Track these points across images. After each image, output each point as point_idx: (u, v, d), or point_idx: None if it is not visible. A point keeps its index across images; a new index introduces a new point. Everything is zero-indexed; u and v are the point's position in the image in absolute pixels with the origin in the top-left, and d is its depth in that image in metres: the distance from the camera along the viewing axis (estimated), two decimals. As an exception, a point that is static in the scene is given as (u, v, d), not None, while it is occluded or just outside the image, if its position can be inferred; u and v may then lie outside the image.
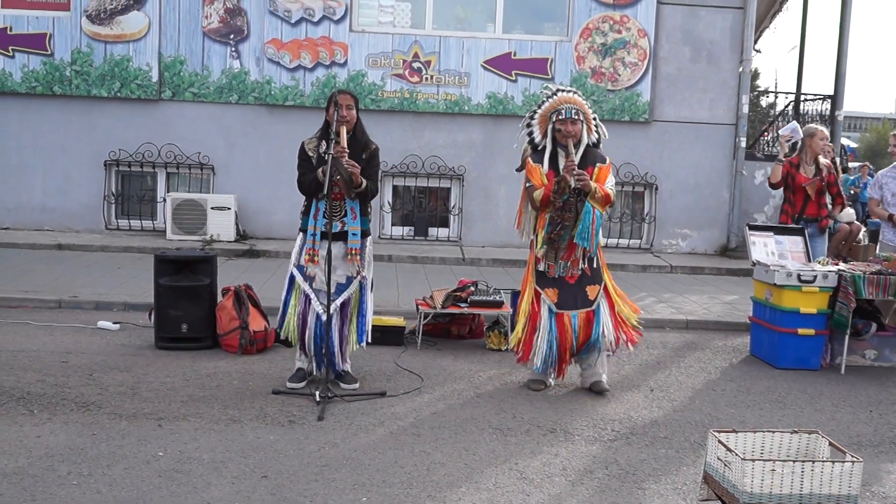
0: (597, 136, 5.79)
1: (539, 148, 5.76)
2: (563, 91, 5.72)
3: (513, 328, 5.98)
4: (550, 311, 5.66)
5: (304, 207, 5.62)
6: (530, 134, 5.80)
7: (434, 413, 5.23)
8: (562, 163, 5.58)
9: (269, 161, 11.56)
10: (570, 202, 5.54)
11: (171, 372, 5.86)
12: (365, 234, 5.60)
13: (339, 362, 5.60)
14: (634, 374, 6.40)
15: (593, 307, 5.68)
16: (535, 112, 5.79)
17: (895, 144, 7.57)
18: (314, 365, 5.64)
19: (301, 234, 5.60)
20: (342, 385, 5.59)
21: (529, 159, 5.74)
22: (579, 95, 5.76)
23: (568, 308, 5.66)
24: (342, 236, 5.48)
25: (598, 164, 5.67)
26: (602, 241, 5.88)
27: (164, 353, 6.35)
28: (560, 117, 5.60)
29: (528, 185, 5.74)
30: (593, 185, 5.55)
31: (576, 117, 5.60)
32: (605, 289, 5.78)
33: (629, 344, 5.85)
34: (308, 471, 4.23)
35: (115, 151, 11.69)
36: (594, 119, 5.79)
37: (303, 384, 5.57)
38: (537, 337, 5.68)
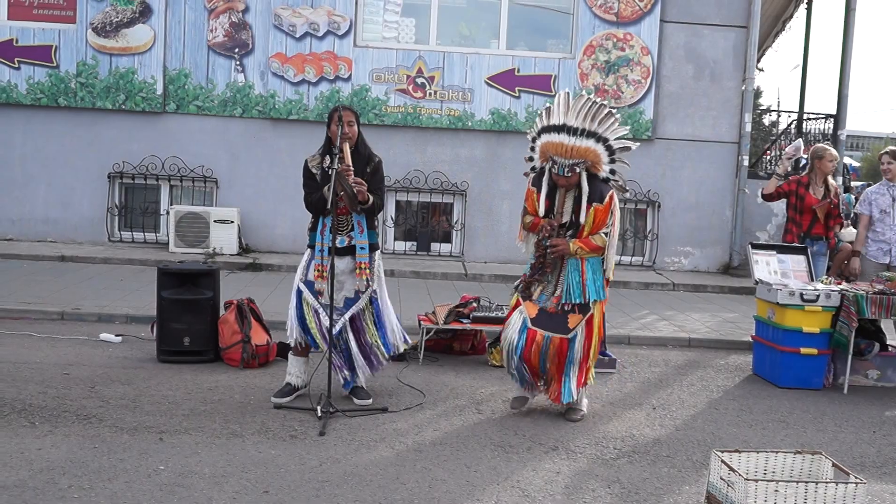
0: (609, 169, 5.38)
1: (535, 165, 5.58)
2: (560, 115, 5.30)
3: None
4: (524, 323, 5.42)
5: (310, 224, 5.63)
6: (531, 157, 5.59)
7: (436, 429, 5.22)
8: (543, 192, 5.39)
9: (273, 175, 11.59)
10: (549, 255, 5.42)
11: (173, 385, 5.85)
12: (373, 247, 5.60)
13: (361, 374, 5.63)
14: (636, 392, 6.38)
15: (569, 335, 5.37)
16: (538, 134, 5.46)
17: (888, 162, 7.58)
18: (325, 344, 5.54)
19: (309, 249, 5.61)
20: (356, 400, 5.59)
21: (529, 181, 5.59)
22: (588, 116, 5.25)
23: (543, 328, 5.38)
24: (350, 251, 5.49)
25: (594, 204, 5.32)
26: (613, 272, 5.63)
27: (165, 367, 6.35)
28: (553, 170, 5.33)
29: (525, 205, 5.64)
30: (573, 247, 5.32)
31: (569, 174, 5.29)
32: (589, 320, 5.42)
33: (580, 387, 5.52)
34: (309, 486, 4.22)
35: (118, 163, 11.72)
36: (608, 151, 5.33)
37: (287, 399, 5.55)
38: (504, 338, 5.49)
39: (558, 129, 5.30)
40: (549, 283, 5.51)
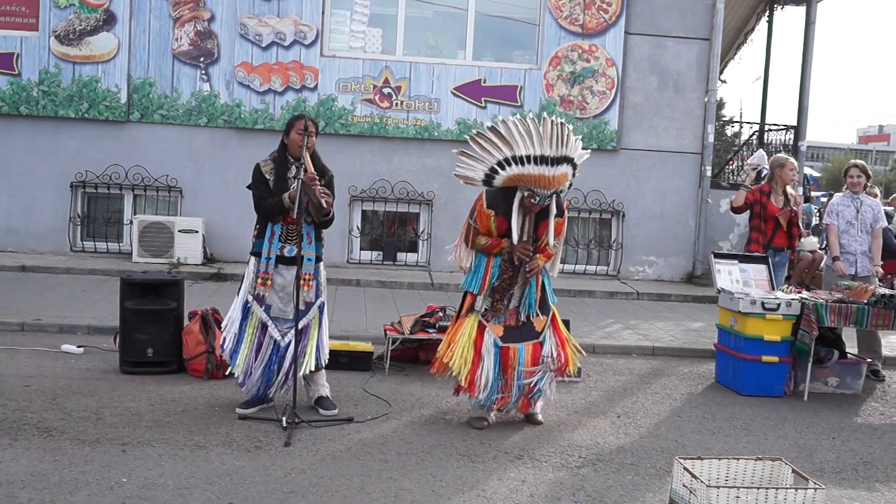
0: (569, 184, 5.37)
1: (494, 185, 5.34)
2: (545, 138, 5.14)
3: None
4: (496, 344, 5.43)
5: (256, 230, 5.56)
6: (492, 175, 5.28)
7: (402, 439, 5.22)
8: (515, 219, 5.31)
9: (238, 184, 11.40)
10: (513, 268, 5.46)
11: (136, 396, 5.79)
12: (318, 259, 5.58)
13: (279, 384, 5.55)
14: (601, 401, 6.43)
15: (540, 339, 5.50)
16: (509, 161, 5.18)
17: (857, 176, 7.71)
18: (260, 391, 5.55)
19: (253, 258, 5.54)
20: (321, 411, 5.57)
21: (483, 201, 5.37)
22: (560, 141, 5.16)
23: (514, 341, 5.44)
24: (296, 261, 5.44)
25: (554, 219, 5.40)
26: (566, 267, 5.78)
27: (128, 378, 6.28)
28: (532, 201, 5.24)
29: (473, 224, 5.47)
30: (541, 264, 5.46)
31: (548, 202, 5.29)
32: (553, 317, 5.61)
33: (566, 368, 5.61)
34: (274, 497, 4.20)
35: (81, 173, 11.59)
36: (573, 169, 5.30)
37: (252, 410, 5.51)
38: (481, 370, 5.39)
39: (537, 160, 5.13)
40: (504, 301, 5.53)
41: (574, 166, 5.31)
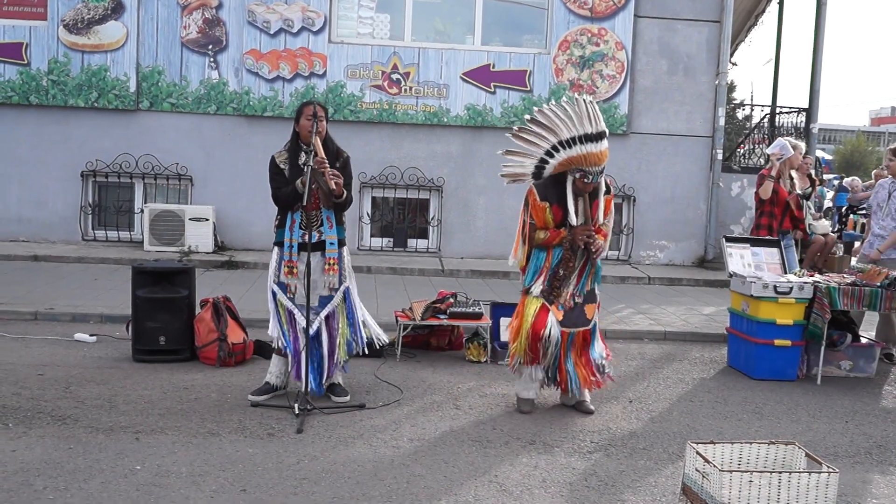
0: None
1: (544, 176, 5.38)
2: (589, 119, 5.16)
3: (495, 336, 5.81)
4: (556, 325, 5.43)
5: (277, 220, 5.59)
6: (542, 166, 5.33)
7: (413, 425, 5.23)
8: (571, 204, 5.32)
9: (248, 172, 11.52)
10: (574, 254, 5.43)
11: (149, 385, 5.82)
12: (341, 243, 5.57)
13: (325, 375, 5.57)
14: (613, 386, 6.41)
15: (590, 326, 5.56)
16: (557, 148, 5.22)
17: (889, 159, 7.61)
18: (297, 376, 5.58)
19: (276, 248, 5.56)
20: (333, 398, 5.59)
21: (535, 195, 5.37)
22: (598, 117, 5.21)
23: (569, 326, 5.47)
24: (320, 246, 5.46)
25: (603, 196, 5.43)
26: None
27: (141, 366, 6.31)
28: (584, 181, 5.25)
29: (530, 220, 5.43)
30: (603, 243, 5.45)
31: (599, 180, 5.33)
32: (598, 307, 5.66)
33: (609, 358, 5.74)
34: (287, 484, 4.21)
35: (91, 162, 11.62)
36: None
37: (264, 397, 5.53)
38: (542, 345, 5.40)
39: (583, 139, 5.16)
40: (564, 286, 5.51)
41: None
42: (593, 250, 5.40)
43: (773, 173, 8.22)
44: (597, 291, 5.64)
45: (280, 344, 5.59)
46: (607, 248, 5.73)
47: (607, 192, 5.49)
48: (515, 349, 5.52)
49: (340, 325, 5.56)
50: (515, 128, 5.43)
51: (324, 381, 5.58)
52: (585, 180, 5.26)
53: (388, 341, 6.18)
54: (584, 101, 5.23)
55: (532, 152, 5.36)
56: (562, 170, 5.31)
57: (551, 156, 5.27)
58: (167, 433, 4.86)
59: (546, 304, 5.46)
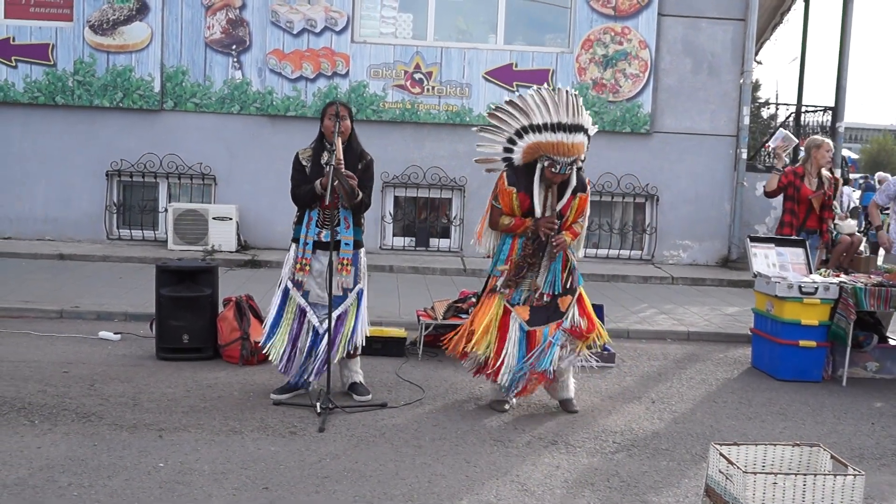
0: (583, 157, 5.40)
1: (514, 164, 5.36)
2: (561, 107, 5.14)
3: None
4: (521, 328, 5.37)
5: (296, 217, 5.62)
6: (509, 151, 5.35)
7: (435, 424, 5.22)
8: (537, 192, 5.30)
9: (271, 171, 11.56)
10: (537, 246, 5.37)
11: (172, 383, 5.86)
12: (358, 244, 5.55)
13: (312, 372, 5.53)
14: (635, 386, 6.39)
15: (563, 317, 5.42)
16: (521, 132, 5.25)
17: None
18: (300, 378, 5.58)
19: (293, 244, 5.58)
20: (355, 396, 5.60)
21: (504, 179, 5.37)
22: (575, 110, 5.16)
23: (540, 324, 5.37)
24: (335, 246, 5.46)
25: (578, 194, 5.38)
26: (599, 251, 5.72)
27: (165, 364, 6.35)
28: (553, 170, 5.21)
29: (496, 205, 5.45)
30: (567, 240, 5.38)
31: (567, 172, 5.25)
32: (580, 297, 5.51)
33: (590, 333, 5.48)
34: (309, 482, 4.22)
35: (116, 161, 11.71)
36: (587, 140, 5.34)
37: (287, 396, 5.54)
38: (505, 354, 5.33)
39: (554, 127, 5.16)
40: (524, 280, 5.47)
41: (588, 138, 5.32)
42: (554, 244, 5.33)
43: (778, 165, 8.18)
44: (577, 286, 5.53)
45: (281, 368, 5.57)
46: (581, 251, 5.70)
47: (584, 190, 5.43)
48: (472, 354, 5.46)
49: (346, 327, 5.52)
50: (493, 105, 5.47)
51: (313, 377, 5.53)
52: (553, 169, 5.22)
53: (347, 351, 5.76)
54: (569, 92, 5.22)
55: (503, 131, 5.36)
56: (532, 156, 5.28)
57: (520, 136, 5.26)
58: (190, 431, 4.89)
59: (508, 305, 5.40)
